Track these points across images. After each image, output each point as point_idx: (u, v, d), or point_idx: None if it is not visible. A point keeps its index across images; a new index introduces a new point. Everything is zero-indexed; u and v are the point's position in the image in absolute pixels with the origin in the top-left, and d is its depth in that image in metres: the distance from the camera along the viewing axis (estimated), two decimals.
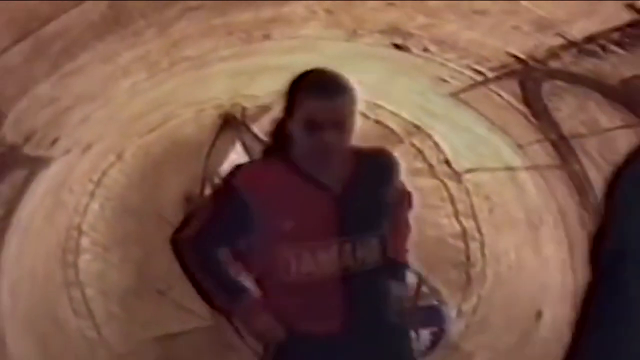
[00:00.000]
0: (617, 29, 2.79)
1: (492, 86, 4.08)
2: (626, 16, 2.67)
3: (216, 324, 6.40)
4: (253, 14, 3.25)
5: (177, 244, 2.79)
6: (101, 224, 6.11)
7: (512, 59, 3.56)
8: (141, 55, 3.30)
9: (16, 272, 4.44)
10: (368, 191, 2.72)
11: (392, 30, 3.51)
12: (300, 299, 2.68)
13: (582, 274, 4.75)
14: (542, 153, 4.60)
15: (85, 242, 5.97)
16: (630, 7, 2.58)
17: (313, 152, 2.61)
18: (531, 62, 3.50)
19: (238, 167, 2.86)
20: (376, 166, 2.80)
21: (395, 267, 2.91)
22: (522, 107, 4.16)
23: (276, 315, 2.70)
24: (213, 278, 2.75)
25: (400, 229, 3.01)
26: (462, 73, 4.05)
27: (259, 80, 5.36)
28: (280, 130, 2.73)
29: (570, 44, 3.11)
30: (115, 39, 2.77)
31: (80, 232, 5.92)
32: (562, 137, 4.22)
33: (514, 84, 3.90)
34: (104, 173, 5.99)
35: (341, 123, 2.55)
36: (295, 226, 2.61)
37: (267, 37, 3.72)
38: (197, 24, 3.13)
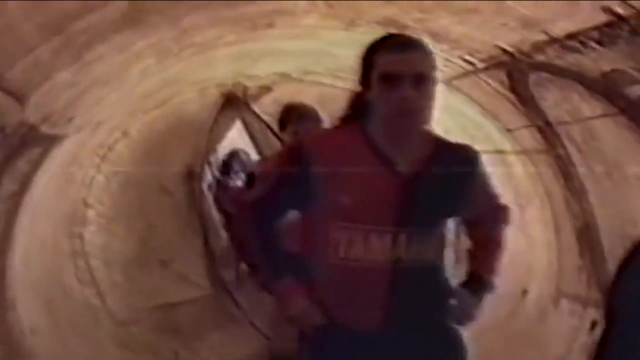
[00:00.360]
0: (595, 28, 2.98)
1: (482, 75, 4.24)
2: (603, 17, 2.86)
3: (216, 295, 6.55)
4: (258, 7, 3.42)
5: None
6: (106, 196, 6.23)
7: (500, 52, 3.73)
8: (153, 43, 3.44)
9: (28, 242, 4.57)
10: (440, 184, 2.45)
11: (389, 22, 3.64)
12: (343, 286, 2.47)
13: (567, 253, 4.94)
14: (529, 138, 4.74)
15: (91, 214, 6.08)
16: (606, 9, 2.78)
17: (391, 117, 2.39)
18: (517, 55, 3.66)
19: (309, 133, 2.71)
20: (455, 159, 2.52)
21: (479, 283, 2.69)
22: (510, 94, 4.31)
23: (316, 301, 2.51)
24: (263, 250, 2.58)
25: (490, 245, 2.75)
26: (454, 62, 4.19)
27: (261, 63, 5.49)
28: (356, 103, 2.55)
29: (553, 40, 3.29)
30: (132, 31, 2.92)
31: (86, 204, 6.03)
32: (547, 124, 4.37)
33: (502, 74, 4.07)
34: (110, 148, 6.10)
35: (419, 79, 2.34)
36: (352, 203, 2.39)
37: (270, 25, 3.87)
38: (206, 16, 3.29)
